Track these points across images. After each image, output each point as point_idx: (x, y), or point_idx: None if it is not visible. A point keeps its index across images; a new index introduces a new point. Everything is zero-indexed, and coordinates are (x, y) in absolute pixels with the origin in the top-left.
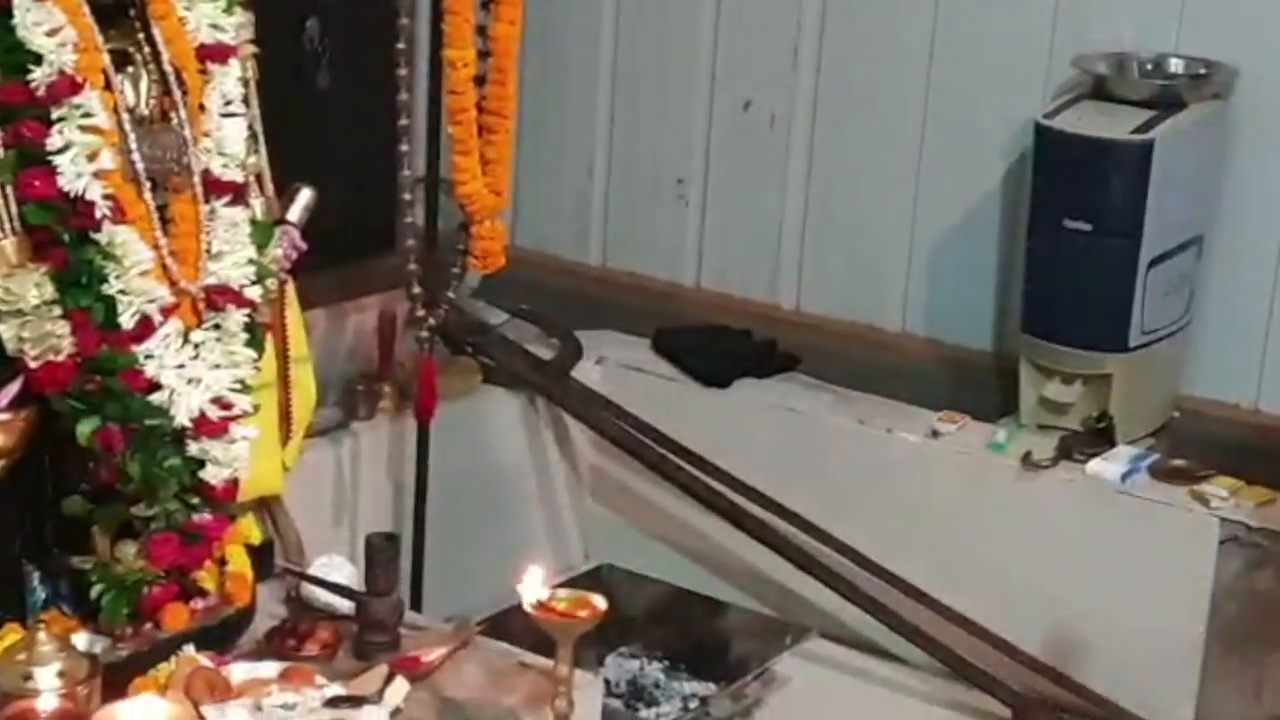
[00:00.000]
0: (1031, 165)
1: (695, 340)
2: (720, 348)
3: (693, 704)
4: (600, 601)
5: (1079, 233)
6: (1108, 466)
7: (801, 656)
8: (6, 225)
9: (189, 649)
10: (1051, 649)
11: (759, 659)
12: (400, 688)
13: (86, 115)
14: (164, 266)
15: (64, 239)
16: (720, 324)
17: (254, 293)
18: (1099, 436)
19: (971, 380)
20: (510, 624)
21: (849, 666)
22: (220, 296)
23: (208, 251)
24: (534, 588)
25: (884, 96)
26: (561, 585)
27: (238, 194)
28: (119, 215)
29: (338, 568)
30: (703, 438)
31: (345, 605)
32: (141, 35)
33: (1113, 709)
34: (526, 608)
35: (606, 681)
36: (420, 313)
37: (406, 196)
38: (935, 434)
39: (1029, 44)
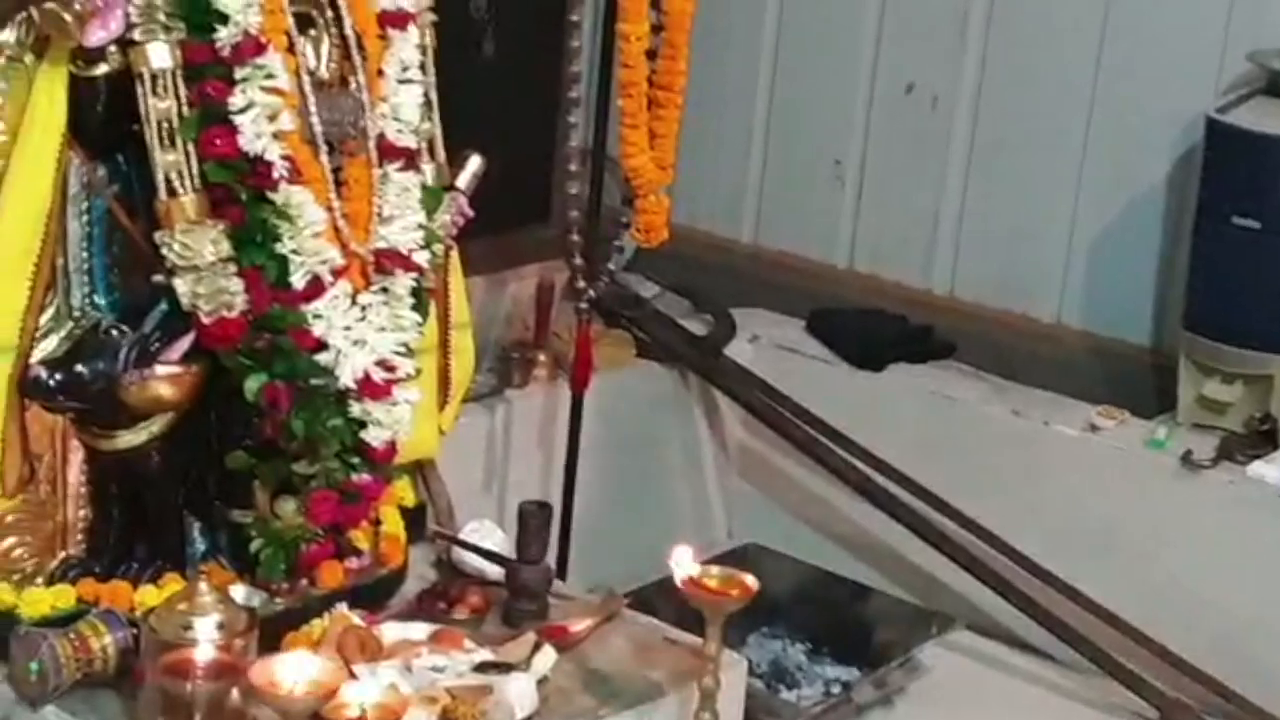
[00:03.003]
0: (1201, 160)
1: (850, 322)
2: (875, 331)
3: (835, 689)
4: (752, 581)
5: (1247, 230)
6: (1270, 469)
7: (946, 647)
8: (187, 182)
9: (342, 607)
10: (1203, 653)
11: (903, 647)
12: (547, 656)
13: (269, 76)
14: (336, 228)
15: (241, 197)
16: (876, 307)
17: (422, 258)
18: (1261, 438)
19: (1127, 375)
20: (654, 598)
21: (993, 659)
22: (389, 260)
23: (379, 215)
24: (686, 563)
25: (1050, 84)
26: (708, 563)
27: (410, 159)
28: (295, 176)
29: (489, 533)
30: (854, 421)
31: (495, 571)
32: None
33: (1264, 718)
34: (678, 583)
35: (748, 661)
36: (580, 284)
37: (572, 168)
38: (1093, 428)
39: (1202, 36)
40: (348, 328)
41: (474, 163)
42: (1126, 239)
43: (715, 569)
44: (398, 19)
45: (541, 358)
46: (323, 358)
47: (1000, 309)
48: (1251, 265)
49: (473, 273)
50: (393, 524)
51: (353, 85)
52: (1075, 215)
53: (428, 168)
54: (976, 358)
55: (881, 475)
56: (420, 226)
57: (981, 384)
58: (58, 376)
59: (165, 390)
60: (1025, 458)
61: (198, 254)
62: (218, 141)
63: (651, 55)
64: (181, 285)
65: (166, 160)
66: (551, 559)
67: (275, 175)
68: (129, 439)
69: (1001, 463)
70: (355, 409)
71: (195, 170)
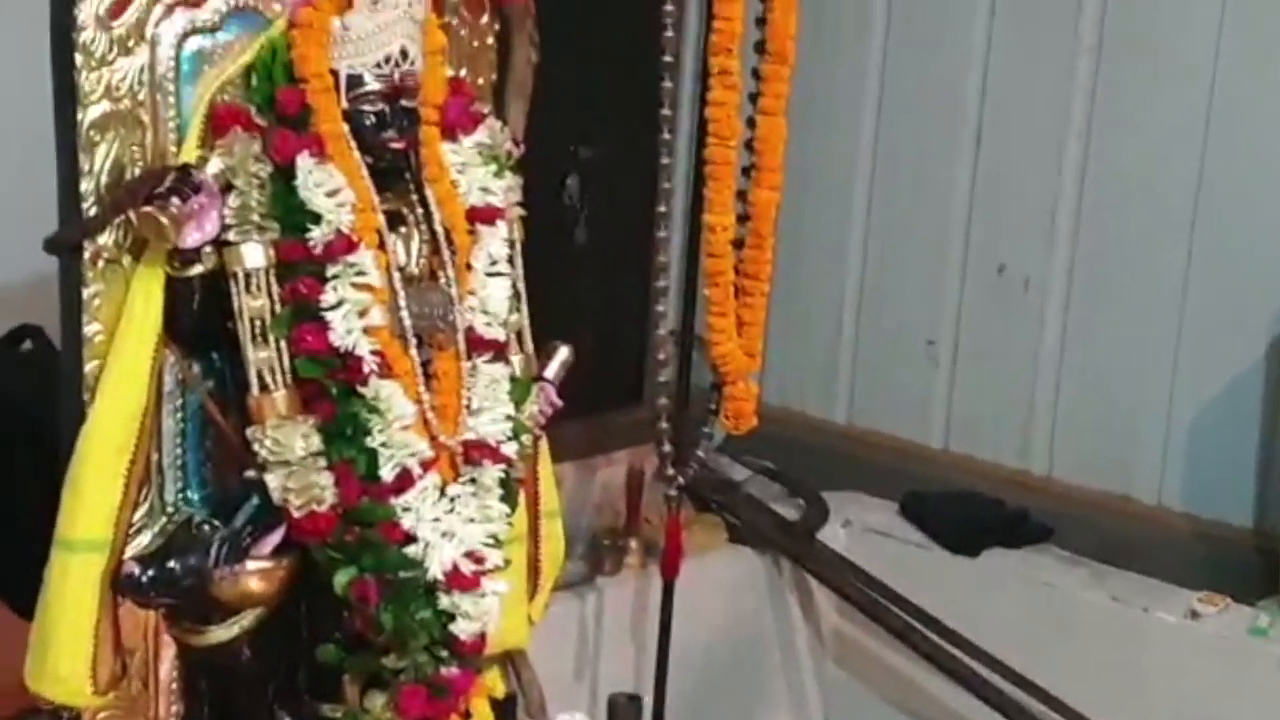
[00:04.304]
0: None
1: (944, 506)
2: (970, 515)
3: None
4: None
5: None
6: None
7: None
8: (279, 378)
9: None
10: None
11: None
12: None
13: (360, 274)
14: (425, 421)
15: (332, 392)
16: (971, 490)
17: (510, 449)
18: None
19: (1230, 558)
20: None
21: None
22: (477, 452)
23: (467, 407)
24: None
25: (1144, 263)
26: None
27: (499, 351)
28: (385, 370)
29: None
30: (949, 607)
31: None
32: (415, 197)
33: None
34: None
35: None
36: (670, 471)
37: (661, 356)
38: (1194, 615)
39: None
40: (436, 520)
41: (562, 353)
42: (1226, 419)
43: None
44: (486, 214)
45: (633, 544)
46: (411, 550)
47: (1099, 490)
48: None
49: (565, 457)
50: (483, 716)
51: (442, 279)
52: (1173, 395)
53: (516, 359)
54: (1075, 540)
55: (979, 663)
56: (508, 418)
57: (1079, 569)
58: (150, 573)
59: (256, 585)
60: (1125, 645)
61: (288, 449)
62: (309, 338)
63: (738, 244)
64: (273, 480)
65: (259, 357)
66: None
67: (365, 370)
68: (220, 634)
69: (1101, 651)
70: (444, 601)
71: (287, 366)
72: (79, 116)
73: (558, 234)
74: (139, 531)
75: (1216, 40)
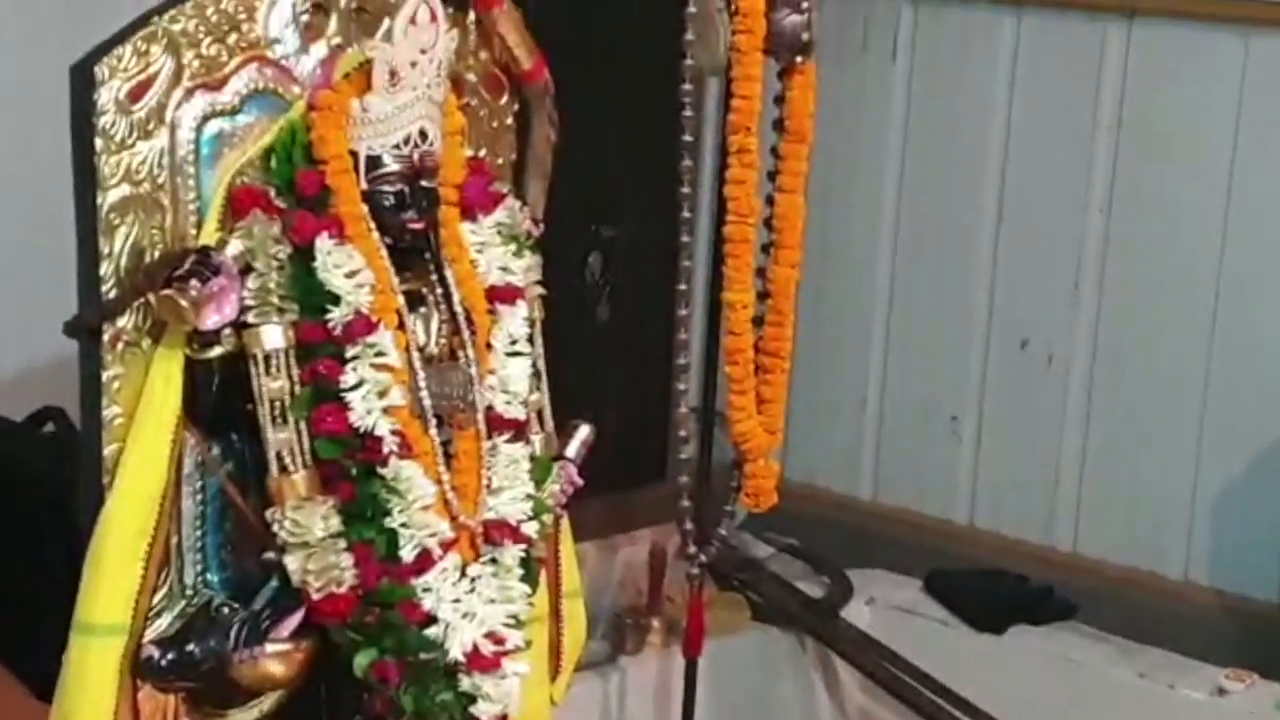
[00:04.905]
0: None
1: (969, 583)
2: (995, 592)
3: None
4: None
5: None
6: None
7: None
8: (298, 459)
9: None
10: None
11: None
12: None
13: (379, 354)
14: (445, 501)
15: (351, 473)
16: (996, 567)
17: (531, 528)
18: None
19: (1257, 633)
20: None
21: None
22: (498, 532)
23: (487, 487)
24: None
25: (1167, 336)
26: None
27: (519, 431)
28: (405, 451)
29: None
30: (975, 684)
31: None
32: (434, 277)
33: None
34: None
35: None
36: (693, 549)
37: (682, 433)
38: (1222, 692)
39: None
40: (457, 600)
41: (583, 432)
42: (1252, 493)
43: None
44: (506, 294)
45: (655, 623)
46: (432, 631)
47: (1125, 566)
48: None
49: (587, 536)
50: None
51: (462, 359)
52: (1198, 469)
53: (536, 438)
54: (1101, 617)
55: None
56: (529, 497)
57: (1106, 646)
58: (169, 656)
59: (276, 668)
60: None
61: (308, 530)
62: (329, 419)
63: (759, 321)
64: (292, 562)
65: (278, 438)
66: None
67: (385, 450)
68: (240, 718)
69: None
70: (465, 683)
71: (306, 447)
72: (99, 200)
73: (579, 312)
74: (158, 614)
75: (1236, 115)
